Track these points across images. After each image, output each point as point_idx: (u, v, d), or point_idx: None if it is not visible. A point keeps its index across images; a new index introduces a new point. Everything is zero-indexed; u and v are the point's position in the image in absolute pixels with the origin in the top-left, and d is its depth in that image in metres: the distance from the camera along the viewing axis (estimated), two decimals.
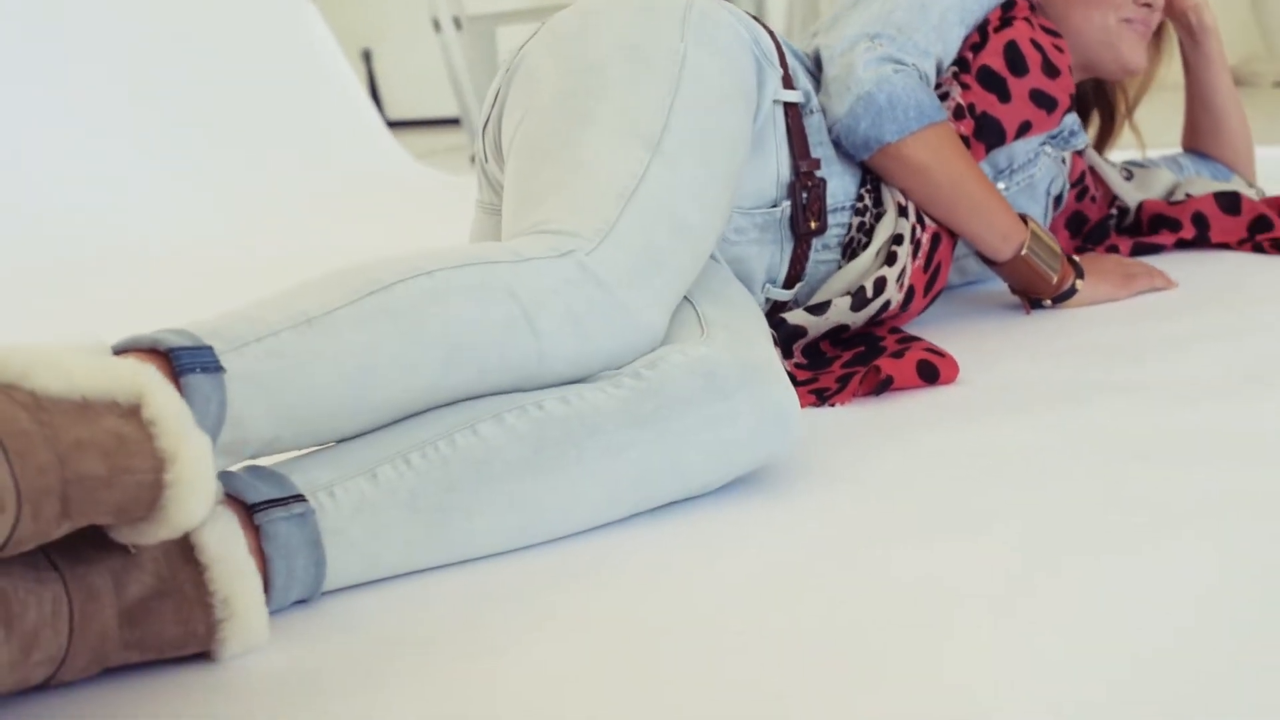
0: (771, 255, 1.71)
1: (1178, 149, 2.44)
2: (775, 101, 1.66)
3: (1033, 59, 1.87)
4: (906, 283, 1.73)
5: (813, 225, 1.71)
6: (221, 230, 3.31)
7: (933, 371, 1.61)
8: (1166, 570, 1.07)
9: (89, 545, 0.97)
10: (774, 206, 1.68)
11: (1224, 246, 2.25)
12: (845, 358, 1.68)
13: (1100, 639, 0.97)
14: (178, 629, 1.00)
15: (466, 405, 1.19)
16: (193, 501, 0.96)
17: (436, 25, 5.09)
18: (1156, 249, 2.25)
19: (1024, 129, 1.89)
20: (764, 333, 1.44)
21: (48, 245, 2.98)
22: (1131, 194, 2.29)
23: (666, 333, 1.33)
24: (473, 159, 4.24)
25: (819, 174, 1.71)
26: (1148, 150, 2.36)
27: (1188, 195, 2.29)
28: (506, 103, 1.59)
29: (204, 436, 0.98)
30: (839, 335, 1.73)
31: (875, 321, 1.74)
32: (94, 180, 3.28)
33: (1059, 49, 1.91)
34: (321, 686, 0.98)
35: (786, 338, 1.69)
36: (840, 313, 1.69)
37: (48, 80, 3.38)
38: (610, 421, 1.20)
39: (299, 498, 1.09)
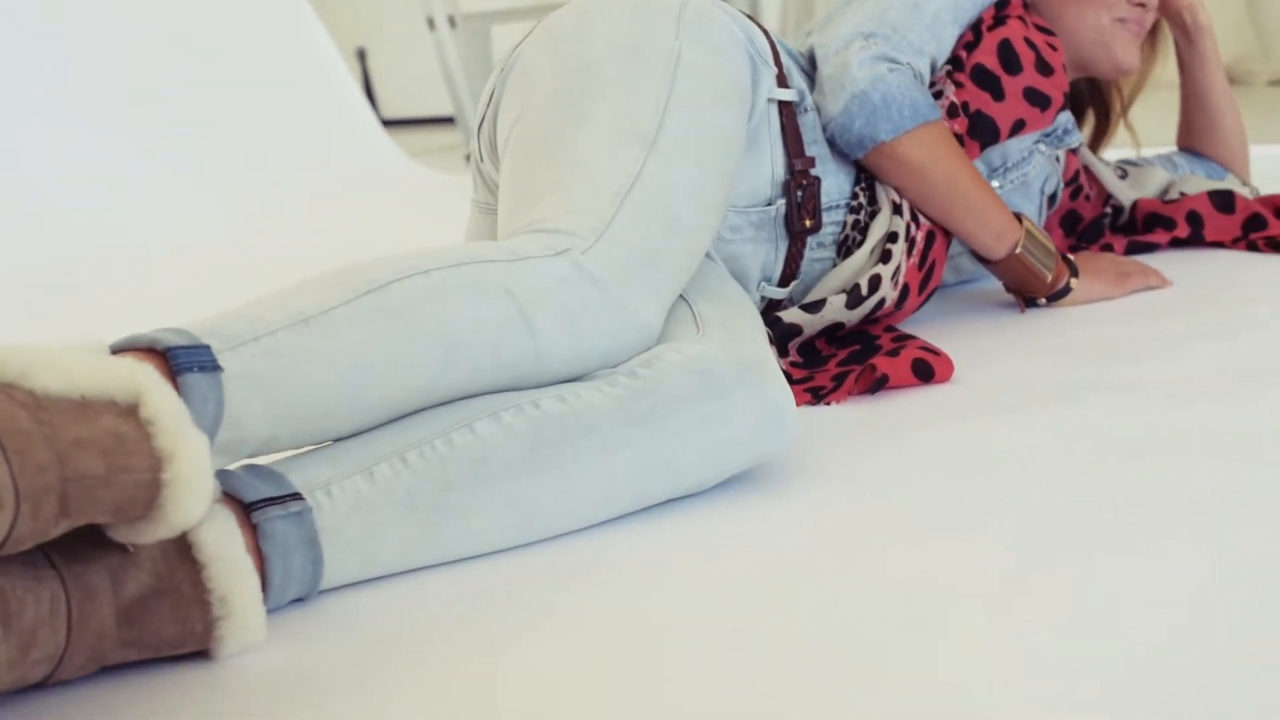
0: (767, 253, 1.71)
1: (1173, 147, 2.45)
2: (770, 100, 1.67)
3: (1026, 57, 1.88)
4: (901, 280, 1.73)
5: (808, 223, 1.71)
6: (217, 230, 3.31)
7: (928, 370, 1.61)
8: (1161, 569, 1.08)
9: (87, 544, 0.97)
10: (769, 205, 1.69)
11: (1218, 245, 2.25)
12: (841, 356, 1.68)
13: (1094, 637, 0.97)
14: (175, 627, 1.00)
15: (463, 404, 1.19)
16: (190, 500, 0.96)
17: (431, 24, 5.09)
18: (1151, 248, 2.25)
19: (1018, 127, 1.89)
20: (760, 331, 1.44)
21: (48, 245, 2.98)
22: (1126, 192, 2.29)
23: (662, 331, 1.33)
24: (468, 157, 4.25)
25: (814, 172, 1.72)
26: (1143, 149, 2.37)
27: (1182, 194, 2.29)
28: (502, 102, 1.60)
29: (201, 435, 0.98)
30: (834, 333, 1.74)
31: (870, 320, 1.74)
32: (94, 180, 3.28)
33: (1052, 47, 1.92)
34: (319, 685, 0.99)
35: (782, 336, 1.69)
36: (835, 310, 1.69)
37: (47, 80, 3.38)
38: (606, 420, 1.21)
39: (296, 496, 1.09)
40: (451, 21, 5.06)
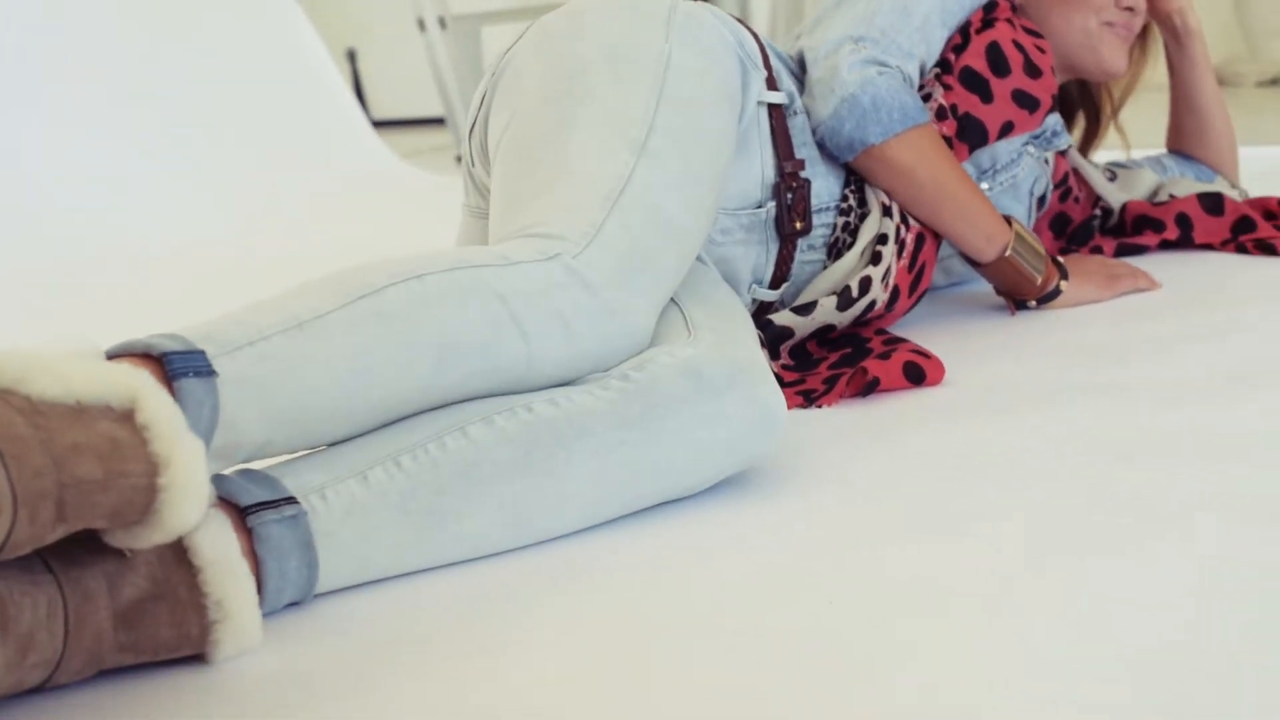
0: (757, 256, 1.72)
1: (1162, 150, 2.45)
2: (759, 103, 1.67)
3: (1015, 60, 1.88)
4: (891, 283, 1.73)
5: (798, 226, 1.72)
6: (207, 230, 3.31)
7: (919, 373, 1.62)
8: (1151, 570, 1.08)
9: (83, 549, 0.98)
10: (759, 207, 1.69)
11: (1207, 247, 2.26)
12: (832, 359, 1.69)
13: (1086, 639, 0.98)
14: (172, 631, 1.00)
15: (456, 408, 1.20)
16: (186, 505, 0.96)
17: (421, 25, 5.09)
18: (1140, 250, 2.26)
19: (1006, 129, 1.90)
20: (751, 334, 1.45)
21: (48, 245, 2.98)
22: (1115, 195, 2.30)
23: (654, 335, 1.34)
24: (458, 159, 4.24)
25: (803, 175, 1.72)
26: (1132, 151, 2.37)
27: (1171, 196, 2.30)
28: (493, 106, 1.60)
29: (197, 441, 0.98)
30: (826, 336, 1.74)
31: (861, 322, 1.75)
32: (94, 180, 3.28)
33: (1041, 50, 1.92)
34: (315, 688, 0.99)
35: (773, 339, 1.69)
36: (826, 313, 1.70)
37: (47, 81, 3.38)
38: (599, 423, 1.21)
39: (290, 500, 1.09)
40: (442, 23, 5.07)
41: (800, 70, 1.82)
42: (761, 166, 1.69)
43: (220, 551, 1.02)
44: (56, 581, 0.95)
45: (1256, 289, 1.99)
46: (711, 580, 1.13)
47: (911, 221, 1.78)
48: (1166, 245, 2.27)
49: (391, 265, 1.20)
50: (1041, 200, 2.09)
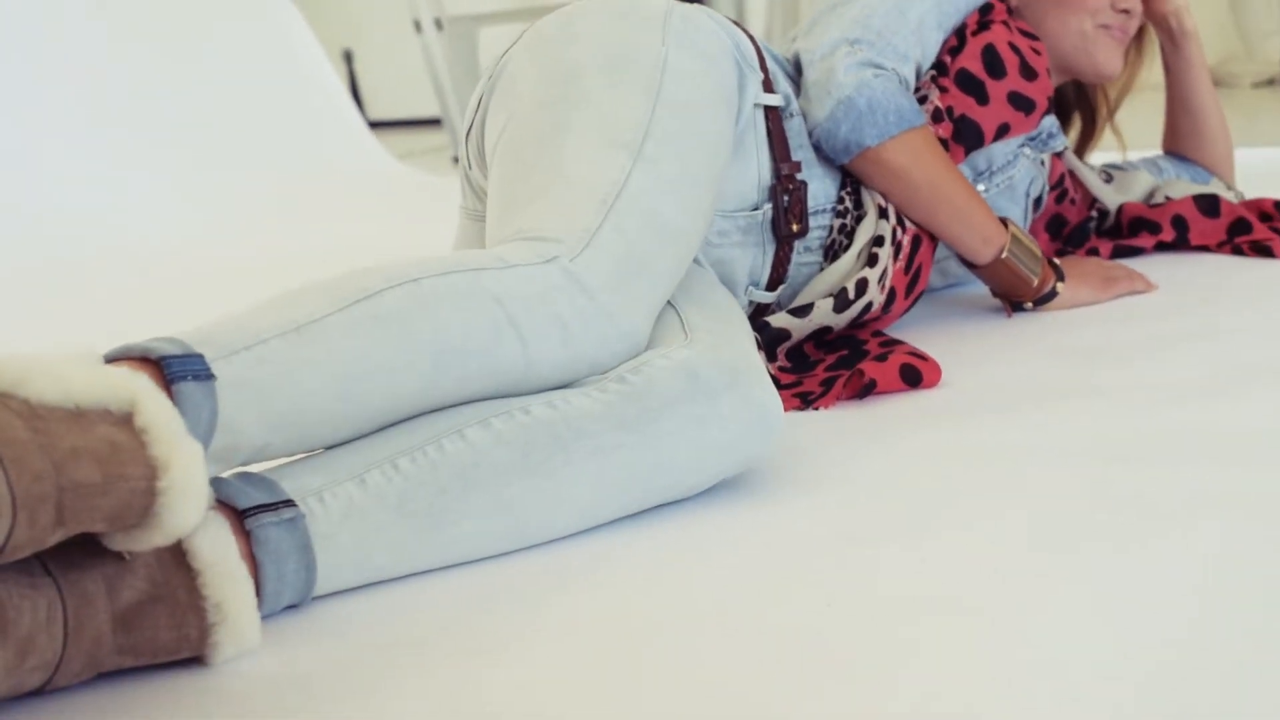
0: (754, 258, 1.72)
1: (1158, 150, 2.46)
2: (756, 105, 1.68)
3: (1010, 62, 1.89)
4: (888, 284, 1.74)
5: (794, 228, 1.72)
6: (207, 231, 3.31)
7: (915, 375, 1.62)
8: (1154, 569, 1.09)
9: (82, 552, 0.98)
10: (755, 209, 1.69)
11: (1203, 249, 2.26)
12: (829, 361, 1.69)
13: (1088, 637, 0.98)
14: (171, 634, 1.00)
15: (454, 411, 1.20)
16: (185, 508, 0.97)
17: (418, 26, 5.09)
18: (1136, 251, 2.26)
19: (1002, 131, 1.90)
20: (747, 336, 1.45)
21: (48, 245, 2.98)
22: (1111, 196, 2.30)
23: (650, 337, 1.34)
24: (455, 159, 4.25)
25: (800, 177, 1.73)
26: (1128, 151, 2.37)
27: (1167, 198, 2.30)
28: (489, 109, 1.60)
29: (196, 444, 0.98)
30: (823, 338, 1.74)
31: (858, 324, 1.75)
32: (94, 180, 3.28)
33: (1036, 51, 1.93)
34: (313, 690, 0.99)
35: (770, 341, 1.70)
36: (823, 314, 1.70)
37: (47, 80, 3.39)
38: (596, 425, 1.21)
39: (289, 503, 1.10)
40: (438, 24, 5.07)
41: (796, 73, 1.82)
42: (758, 169, 1.69)
43: (219, 554, 1.02)
44: (56, 584, 0.95)
45: (1252, 290, 2.00)
46: (711, 580, 1.14)
47: (908, 223, 1.78)
48: (1162, 247, 2.27)
49: (388, 269, 1.20)
50: (1038, 202, 2.09)
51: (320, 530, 1.10)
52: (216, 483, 1.09)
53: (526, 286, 1.23)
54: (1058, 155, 2.13)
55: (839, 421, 1.53)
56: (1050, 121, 2.03)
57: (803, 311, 1.70)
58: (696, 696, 0.95)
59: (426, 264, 1.22)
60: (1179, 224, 2.25)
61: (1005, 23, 1.92)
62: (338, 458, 1.15)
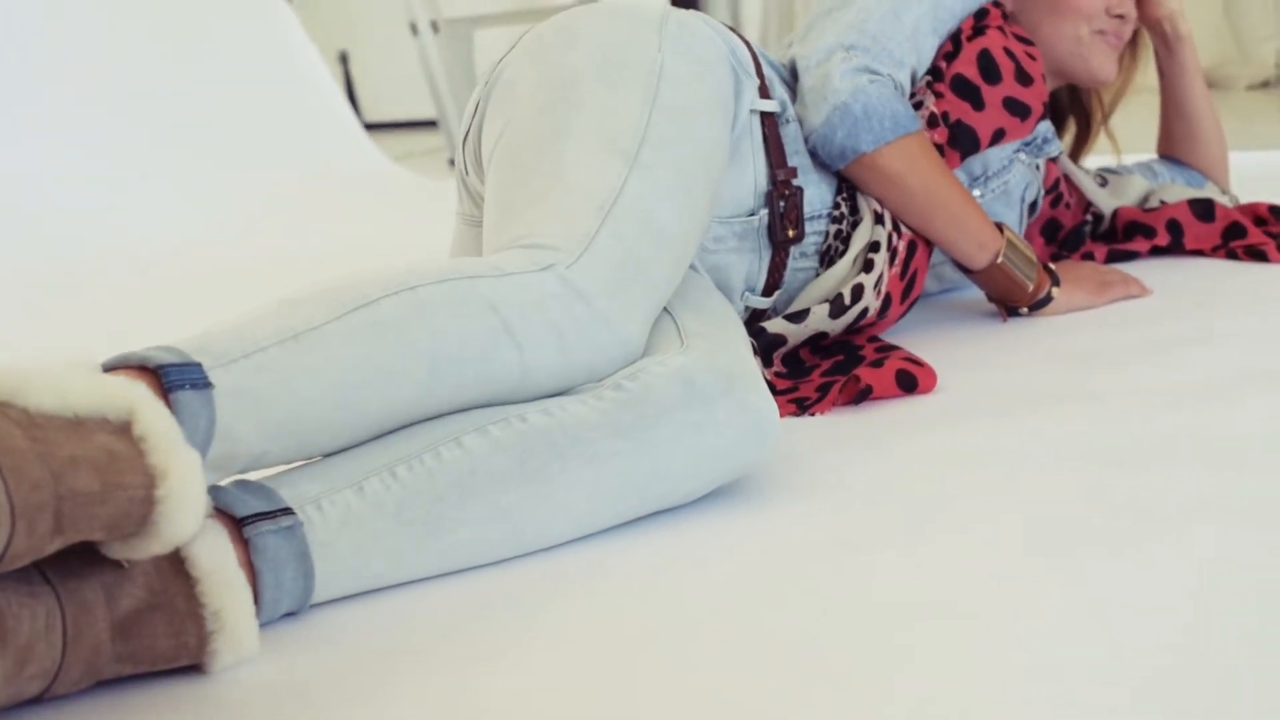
0: (750, 264, 1.72)
1: (1153, 154, 2.46)
2: (752, 111, 1.68)
3: (1006, 67, 1.89)
4: (884, 290, 1.74)
5: (790, 233, 1.72)
6: (203, 232, 3.32)
7: (911, 381, 1.62)
8: (1149, 574, 1.09)
9: (81, 560, 0.98)
10: (751, 215, 1.70)
11: (1198, 253, 2.26)
12: (825, 366, 1.70)
13: (1083, 641, 0.98)
14: (169, 641, 1.01)
15: (451, 419, 1.20)
16: (183, 516, 0.97)
17: (414, 28, 5.10)
18: (1131, 256, 2.27)
19: (998, 136, 1.91)
20: (743, 342, 1.45)
21: (48, 245, 2.99)
22: (1106, 201, 2.30)
23: (646, 344, 1.34)
24: (451, 162, 4.25)
25: (796, 183, 1.73)
26: (1124, 155, 2.38)
27: (1162, 202, 2.31)
28: (486, 115, 1.60)
29: (194, 452, 0.99)
30: (818, 343, 1.75)
31: (854, 329, 1.75)
32: (93, 180, 3.29)
33: (1031, 57, 1.93)
34: (311, 698, 1.00)
35: (766, 346, 1.70)
36: (819, 320, 1.70)
37: (47, 81, 3.39)
38: (593, 432, 1.22)
39: (287, 511, 1.10)
40: (434, 26, 5.07)
41: (792, 78, 1.82)
42: (754, 174, 1.69)
43: (217, 562, 1.03)
44: (54, 593, 0.95)
45: (1247, 294, 2.00)
46: (707, 586, 1.14)
47: (903, 229, 1.78)
48: (1157, 251, 2.27)
49: (386, 276, 1.20)
50: (1033, 207, 2.09)
51: (318, 538, 1.11)
52: (214, 491, 1.09)
53: (523, 294, 1.23)
54: (1053, 160, 2.14)
55: (834, 427, 1.53)
56: (1045, 126, 2.03)
57: (798, 317, 1.70)
58: (692, 703, 0.95)
59: (423, 271, 1.22)
60: (1174, 228, 2.26)
61: (1000, 28, 1.92)
62: (335, 465, 1.16)
